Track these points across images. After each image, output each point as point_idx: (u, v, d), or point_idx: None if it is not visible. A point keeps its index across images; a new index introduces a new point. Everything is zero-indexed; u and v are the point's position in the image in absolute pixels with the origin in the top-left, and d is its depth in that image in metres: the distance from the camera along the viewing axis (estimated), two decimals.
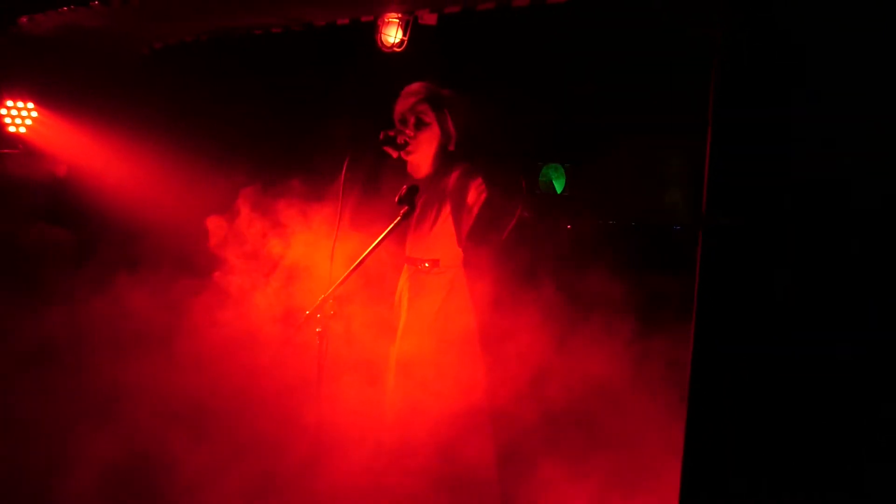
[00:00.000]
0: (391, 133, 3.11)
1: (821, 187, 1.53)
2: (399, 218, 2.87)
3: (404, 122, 3.17)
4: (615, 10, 3.74)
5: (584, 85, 4.49)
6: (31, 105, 5.15)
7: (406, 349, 3.17)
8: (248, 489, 3.13)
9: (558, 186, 5.23)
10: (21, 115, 5.14)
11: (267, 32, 4.69)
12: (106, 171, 5.26)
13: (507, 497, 3.14)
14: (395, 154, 3.15)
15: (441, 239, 3.16)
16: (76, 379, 3.75)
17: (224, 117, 4.95)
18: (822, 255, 1.54)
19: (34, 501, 3.18)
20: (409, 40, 4.15)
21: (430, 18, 4.12)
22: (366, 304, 3.18)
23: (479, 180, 3.07)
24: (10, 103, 5.09)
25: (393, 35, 4.16)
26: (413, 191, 2.91)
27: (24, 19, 4.47)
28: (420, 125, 3.15)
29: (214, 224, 3.31)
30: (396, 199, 2.89)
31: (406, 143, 3.12)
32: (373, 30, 4.21)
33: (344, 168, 2.91)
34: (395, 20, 4.14)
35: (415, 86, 3.21)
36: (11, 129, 5.12)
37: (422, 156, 3.18)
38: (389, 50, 4.19)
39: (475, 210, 3.10)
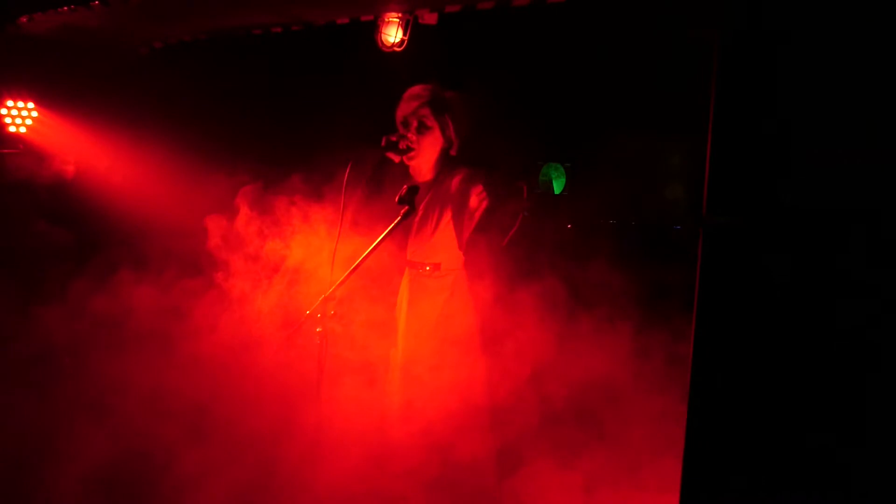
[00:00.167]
0: (393, 138, 3.10)
1: (821, 187, 1.53)
2: (399, 218, 2.87)
3: (406, 125, 3.16)
4: (615, 10, 3.74)
5: (584, 84, 4.49)
6: (31, 105, 5.15)
7: (407, 352, 3.17)
8: (248, 489, 3.13)
9: (558, 186, 5.23)
10: (21, 115, 5.14)
11: (266, 32, 4.69)
12: (106, 170, 5.26)
13: (506, 496, 3.14)
14: (397, 159, 3.15)
15: (442, 243, 3.16)
16: (76, 379, 3.75)
17: (223, 117, 4.96)
18: (821, 254, 1.54)
19: (34, 501, 3.18)
20: (409, 40, 4.15)
21: (430, 18, 4.12)
22: (367, 306, 3.18)
23: (480, 188, 3.07)
24: (10, 103, 5.09)
25: (393, 35, 4.16)
26: (413, 191, 2.91)
27: (23, 19, 4.47)
28: (422, 129, 3.14)
29: (214, 224, 3.31)
30: (397, 199, 2.89)
31: (409, 149, 3.12)
32: (373, 29, 4.20)
33: (347, 170, 2.91)
34: (395, 20, 4.14)
35: (417, 89, 3.20)
36: (11, 129, 5.11)
37: (424, 160, 3.18)
38: (390, 49, 4.19)
39: (476, 216, 3.10)
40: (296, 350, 3.00)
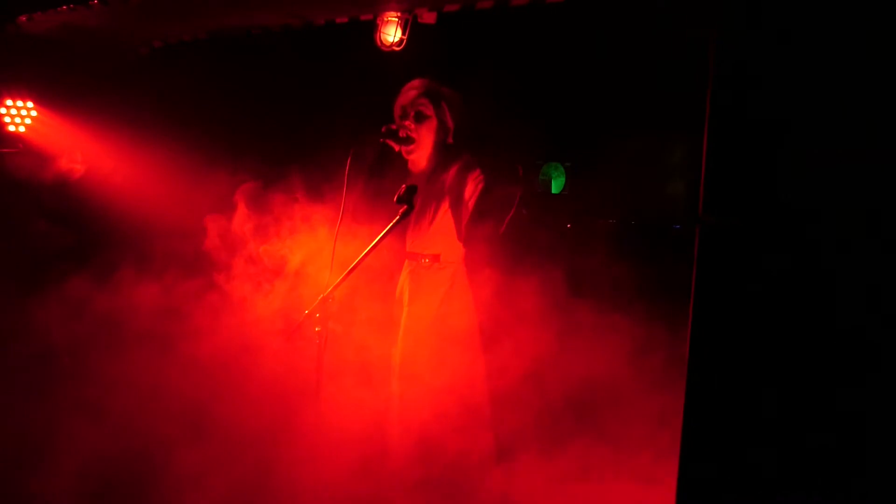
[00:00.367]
0: (393, 126, 3.15)
1: (818, 186, 1.53)
2: (398, 217, 2.87)
3: (405, 115, 3.22)
4: (613, 10, 3.74)
5: (583, 84, 4.49)
6: (30, 104, 5.15)
7: (408, 344, 3.17)
8: (248, 489, 3.13)
9: (558, 186, 5.23)
10: (21, 115, 5.13)
11: (266, 32, 4.69)
12: (106, 170, 5.25)
13: (506, 493, 3.14)
14: (396, 148, 3.19)
15: (441, 234, 3.19)
16: (76, 379, 3.75)
17: (223, 117, 4.95)
18: (818, 254, 1.53)
19: (34, 501, 3.18)
20: (408, 39, 4.14)
21: (429, 17, 4.12)
22: (366, 302, 3.19)
23: (477, 171, 3.11)
24: (9, 102, 5.09)
25: (392, 34, 4.15)
26: (412, 190, 2.92)
27: (23, 18, 4.47)
28: (420, 118, 3.20)
29: (213, 222, 3.31)
30: (395, 198, 2.90)
31: (408, 137, 3.17)
32: (372, 29, 4.20)
33: (347, 163, 2.93)
34: (394, 19, 4.13)
35: (414, 82, 3.27)
36: (11, 128, 5.11)
37: (422, 150, 3.22)
38: (389, 49, 4.18)
39: (473, 200, 3.12)
40: (295, 350, 3.00)
